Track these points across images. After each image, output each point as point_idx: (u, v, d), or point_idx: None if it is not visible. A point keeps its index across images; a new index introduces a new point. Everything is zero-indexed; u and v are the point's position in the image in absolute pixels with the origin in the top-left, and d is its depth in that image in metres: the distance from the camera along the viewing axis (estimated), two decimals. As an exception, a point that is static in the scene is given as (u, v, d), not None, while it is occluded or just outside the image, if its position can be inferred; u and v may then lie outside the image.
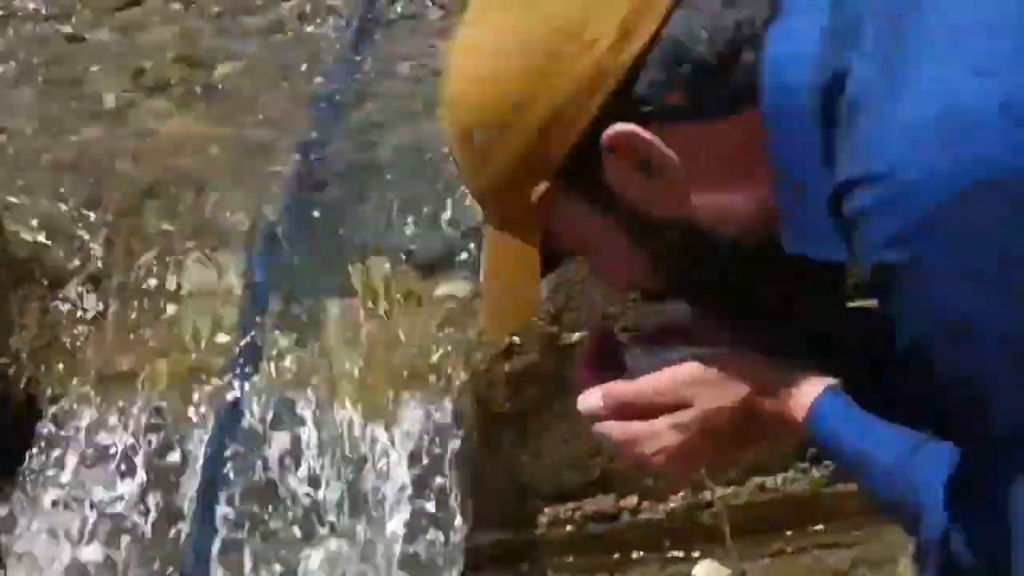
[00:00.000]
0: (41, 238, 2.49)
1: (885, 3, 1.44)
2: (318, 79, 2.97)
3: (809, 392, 1.53)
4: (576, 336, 2.28)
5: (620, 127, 1.44)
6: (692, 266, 1.55)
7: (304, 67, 3.05)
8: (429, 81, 2.82)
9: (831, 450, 1.58)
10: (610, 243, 1.55)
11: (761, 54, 1.41)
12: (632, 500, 2.47)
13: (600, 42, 1.46)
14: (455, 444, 2.23)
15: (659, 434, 1.53)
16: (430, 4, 3.27)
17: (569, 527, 2.49)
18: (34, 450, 2.31)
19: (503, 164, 1.50)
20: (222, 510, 2.29)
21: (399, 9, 3.31)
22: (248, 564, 2.30)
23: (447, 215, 2.52)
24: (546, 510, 2.48)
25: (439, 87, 1.50)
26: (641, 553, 2.53)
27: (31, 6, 3.43)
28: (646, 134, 1.44)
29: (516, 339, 2.33)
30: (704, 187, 1.48)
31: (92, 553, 2.26)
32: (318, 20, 3.23)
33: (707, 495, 2.52)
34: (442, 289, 2.43)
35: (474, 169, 1.50)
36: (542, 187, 1.48)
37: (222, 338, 2.37)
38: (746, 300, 1.58)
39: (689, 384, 1.51)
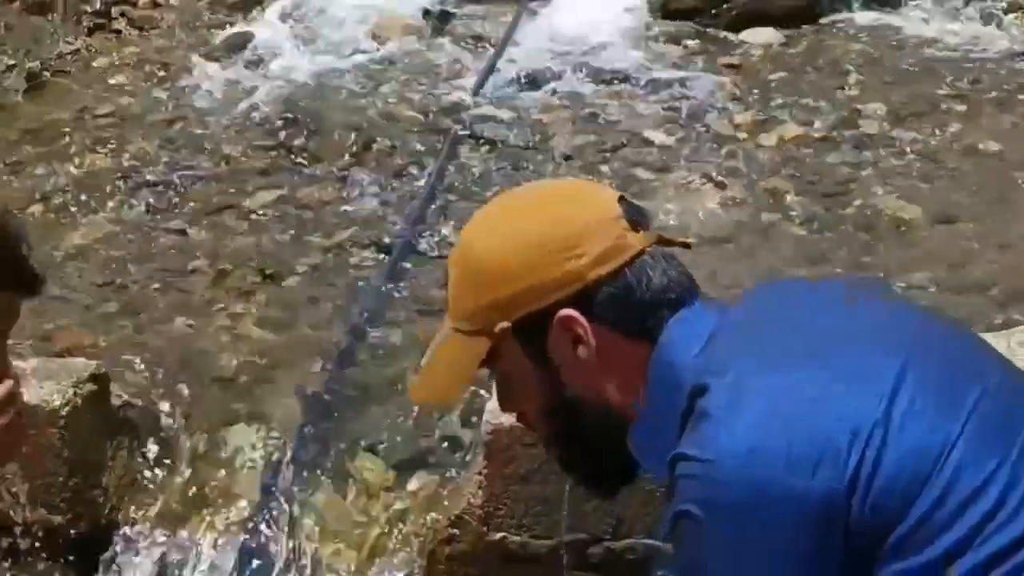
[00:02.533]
0: (136, 401, 3.36)
1: (748, 341, 2.06)
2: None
3: None
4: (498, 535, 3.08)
5: (572, 311, 2.07)
6: (565, 416, 2.11)
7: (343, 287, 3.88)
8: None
9: None
10: (524, 379, 2.11)
11: (669, 322, 2.06)
12: None
13: (583, 259, 2.07)
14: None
15: None
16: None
17: None
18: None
19: (487, 301, 2.08)
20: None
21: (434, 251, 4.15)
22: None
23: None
24: None
25: (458, 253, 2.09)
26: None
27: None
28: (584, 322, 2.07)
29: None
30: (600, 371, 2.07)
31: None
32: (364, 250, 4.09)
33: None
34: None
35: (463, 297, 2.10)
36: (505, 324, 2.08)
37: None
38: (581, 455, 2.14)
39: None
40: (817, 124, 4.70)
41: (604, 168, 4.44)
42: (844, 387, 1.97)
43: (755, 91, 4.94)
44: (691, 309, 2.08)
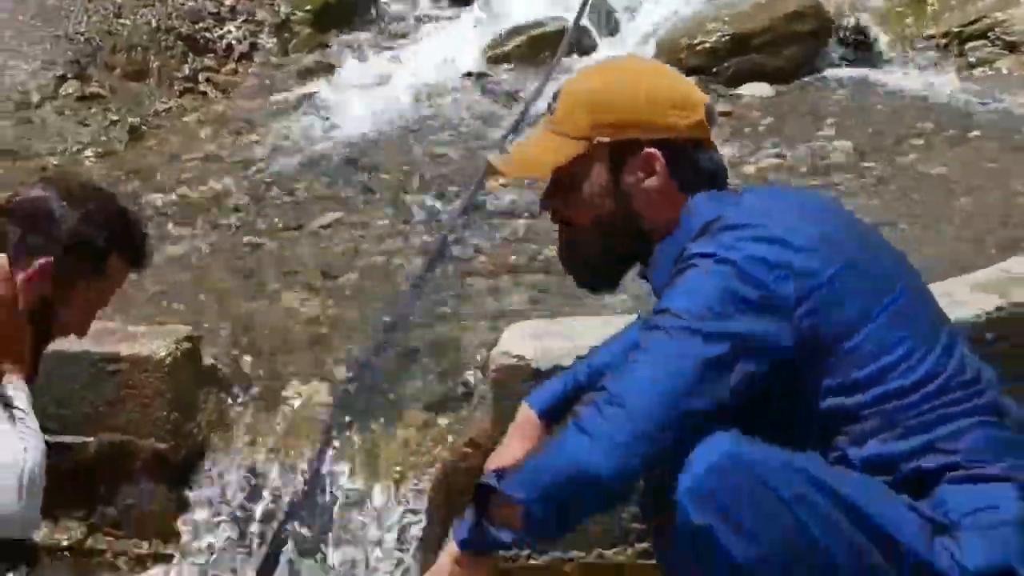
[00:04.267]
0: (222, 360, 4.19)
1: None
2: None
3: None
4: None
5: (658, 152, 2.68)
6: (610, 226, 2.67)
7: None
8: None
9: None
10: (592, 188, 2.66)
11: (709, 191, 2.70)
12: None
13: (686, 120, 2.70)
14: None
15: None
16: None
17: None
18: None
19: (603, 119, 2.65)
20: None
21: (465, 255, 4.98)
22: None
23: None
24: None
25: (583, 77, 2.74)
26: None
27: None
28: (663, 163, 2.69)
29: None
30: (652, 202, 2.67)
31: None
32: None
33: None
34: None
35: (577, 111, 2.65)
36: (606, 139, 2.67)
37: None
38: (599, 260, 2.70)
39: None
40: (792, 157, 5.54)
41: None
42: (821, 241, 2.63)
43: (745, 130, 5.79)
44: (722, 191, 2.76)
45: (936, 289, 3.82)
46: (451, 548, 2.66)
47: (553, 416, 2.97)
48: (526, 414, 2.99)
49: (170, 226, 5.15)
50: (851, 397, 2.58)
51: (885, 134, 5.70)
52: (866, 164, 5.45)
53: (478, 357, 4.06)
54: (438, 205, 5.25)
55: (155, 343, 3.96)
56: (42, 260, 3.10)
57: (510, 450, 2.91)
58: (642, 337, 2.62)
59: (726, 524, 2.48)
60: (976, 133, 5.64)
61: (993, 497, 2.58)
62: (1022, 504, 2.59)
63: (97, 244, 3.12)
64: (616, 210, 2.70)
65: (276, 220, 5.21)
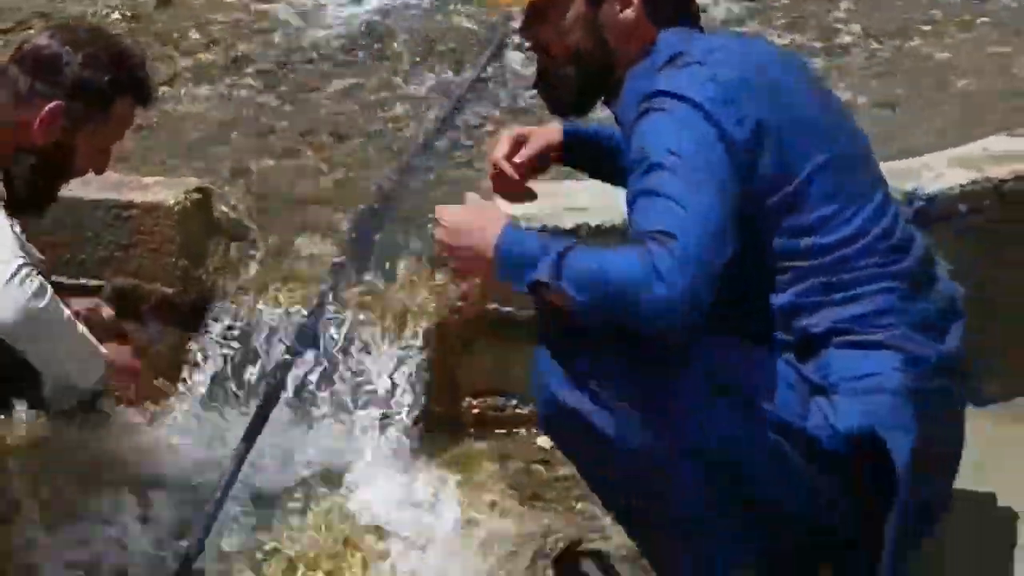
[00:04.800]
0: (232, 212, 4.37)
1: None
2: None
3: (495, 225, 2.67)
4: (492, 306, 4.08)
5: None
6: (586, 54, 2.82)
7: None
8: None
9: (515, 257, 2.60)
10: (573, 19, 2.80)
11: (678, 25, 2.85)
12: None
13: None
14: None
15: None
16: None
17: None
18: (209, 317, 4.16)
19: None
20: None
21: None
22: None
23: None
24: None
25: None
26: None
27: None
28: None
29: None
30: (625, 33, 2.81)
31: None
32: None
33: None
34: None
35: None
36: None
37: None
38: (573, 85, 2.84)
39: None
40: (804, 36, 5.66)
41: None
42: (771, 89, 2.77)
43: (758, 7, 5.92)
44: (692, 28, 2.91)
45: (915, 162, 4.01)
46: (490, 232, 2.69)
47: (575, 140, 3.11)
48: (554, 127, 3.13)
49: (193, 86, 5.32)
50: (787, 242, 2.70)
51: (896, 19, 5.81)
52: (874, 47, 5.57)
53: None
54: (450, 75, 5.38)
55: (166, 192, 4.15)
56: (52, 104, 3.30)
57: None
58: (644, 184, 2.65)
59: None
60: (984, 20, 5.74)
61: (876, 364, 2.64)
62: (902, 375, 2.65)
63: (101, 87, 3.31)
64: (592, 42, 2.84)
65: (295, 83, 5.38)
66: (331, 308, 4.12)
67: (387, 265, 4.19)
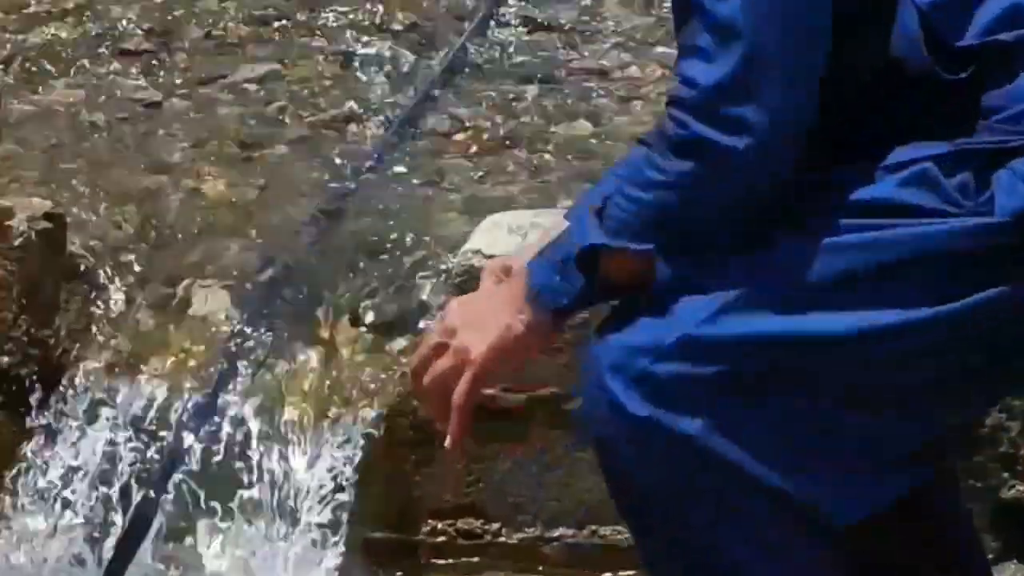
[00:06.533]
0: (95, 248, 4.30)
1: None
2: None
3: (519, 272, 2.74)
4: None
5: None
6: None
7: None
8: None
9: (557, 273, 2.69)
10: None
11: None
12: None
13: None
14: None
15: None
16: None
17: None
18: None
19: None
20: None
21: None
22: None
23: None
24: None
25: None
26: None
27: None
28: None
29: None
30: None
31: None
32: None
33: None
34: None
35: None
36: None
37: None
38: None
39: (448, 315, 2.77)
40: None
41: (659, 49, 5.34)
42: None
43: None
44: None
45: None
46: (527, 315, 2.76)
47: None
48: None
49: (37, 72, 5.26)
50: None
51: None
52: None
53: (441, 259, 4.20)
54: (412, 58, 5.35)
55: (1, 219, 4.09)
56: None
57: None
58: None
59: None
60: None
61: None
62: None
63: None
64: None
65: (186, 70, 5.34)
66: (232, 388, 4.10)
67: (315, 328, 4.15)
